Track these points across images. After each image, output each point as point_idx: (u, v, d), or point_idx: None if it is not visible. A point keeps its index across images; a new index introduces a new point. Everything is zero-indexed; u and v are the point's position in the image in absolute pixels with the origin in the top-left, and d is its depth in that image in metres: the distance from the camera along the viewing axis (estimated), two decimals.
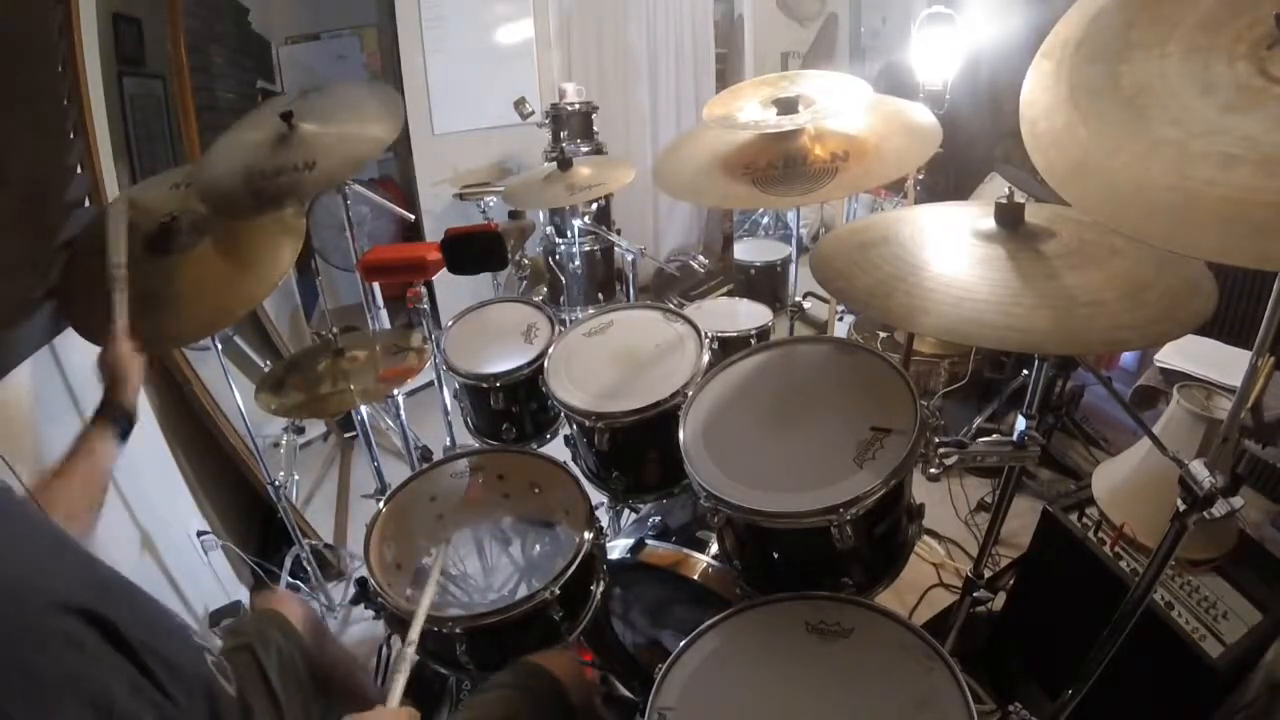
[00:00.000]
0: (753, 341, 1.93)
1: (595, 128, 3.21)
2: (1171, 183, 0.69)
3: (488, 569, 1.48)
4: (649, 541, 1.43)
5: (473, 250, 1.66)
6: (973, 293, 0.90)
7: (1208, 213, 0.66)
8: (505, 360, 1.62)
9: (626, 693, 1.54)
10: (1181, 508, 0.87)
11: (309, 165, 1.31)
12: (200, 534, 1.87)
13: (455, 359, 1.67)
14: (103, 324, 1.21)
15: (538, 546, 1.43)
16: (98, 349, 1.21)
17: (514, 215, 3.28)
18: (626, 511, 1.77)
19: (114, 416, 1.13)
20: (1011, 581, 1.78)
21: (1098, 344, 0.88)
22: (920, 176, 2.50)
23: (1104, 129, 0.76)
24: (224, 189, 1.35)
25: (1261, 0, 0.71)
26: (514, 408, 1.64)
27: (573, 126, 3.14)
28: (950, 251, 0.98)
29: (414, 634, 1.07)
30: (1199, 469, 0.85)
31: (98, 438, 1.09)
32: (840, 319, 3.20)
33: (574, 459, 1.51)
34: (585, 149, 3.13)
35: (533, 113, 3.05)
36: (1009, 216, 0.98)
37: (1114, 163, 0.74)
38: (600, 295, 3.18)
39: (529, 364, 1.58)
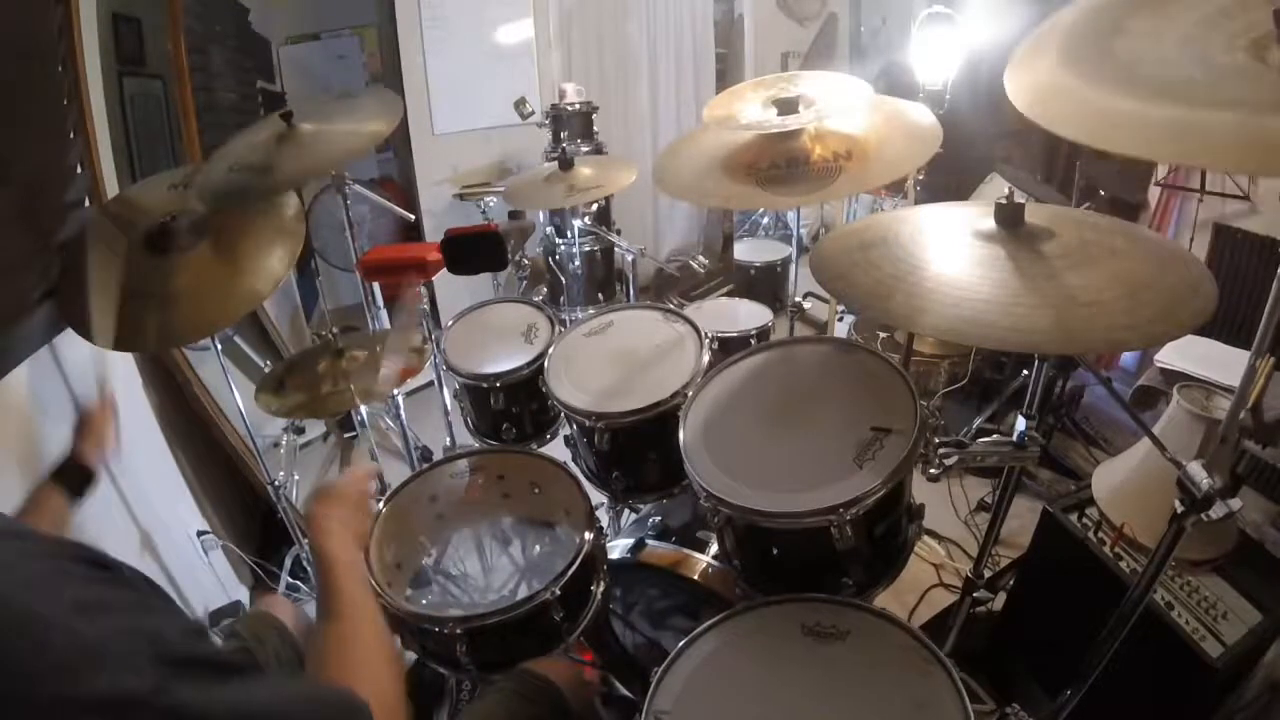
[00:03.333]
0: (753, 342, 1.93)
1: (595, 128, 3.21)
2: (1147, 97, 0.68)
3: (488, 569, 1.48)
4: (649, 542, 1.43)
5: (473, 250, 1.66)
6: (973, 293, 0.89)
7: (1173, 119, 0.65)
8: (505, 360, 1.61)
9: (627, 693, 1.54)
10: (1180, 509, 0.87)
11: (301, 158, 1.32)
12: (200, 534, 1.87)
13: (455, 359, 1.66)
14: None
15: (538, 547, 1.43)
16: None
17: (514, 215, 3.28)
18: (626, 511, 1.77)
19: (68, 472, 1.11)
20: (1011, 581, 1.78)
21: (1098, 344, 0.88)
22: (920, 176, 2.50)
23: (1091, 78, 0.75)
24: (218, 183, 1.37)
25: (1261, 1, 0.71)
26: (514, 408, 1.64)
27: (573, 126, 3.14)
28: (950, 252, 0.98)
29: None
30: (1197, 470, 0.85)
31: (48, 494, 1.06)
32: (840, 319, 3.20)
33: (574, 459, 1.51)
34: (585, 149, 3.12)
35: (533, 113, 3.05)
36: (1009, 216, 0.98)
37: (1093, 93, 0.73)
38: (600, 295, 3.18)
39: (529, 364, 1.58)
